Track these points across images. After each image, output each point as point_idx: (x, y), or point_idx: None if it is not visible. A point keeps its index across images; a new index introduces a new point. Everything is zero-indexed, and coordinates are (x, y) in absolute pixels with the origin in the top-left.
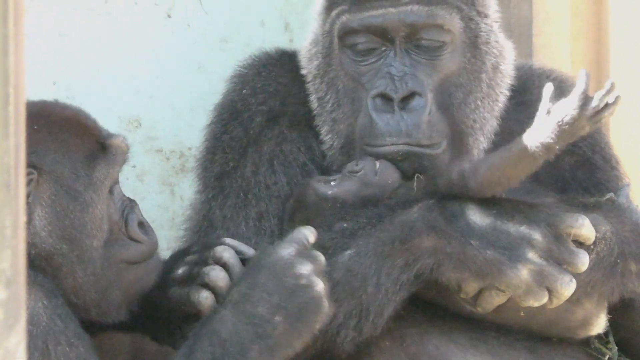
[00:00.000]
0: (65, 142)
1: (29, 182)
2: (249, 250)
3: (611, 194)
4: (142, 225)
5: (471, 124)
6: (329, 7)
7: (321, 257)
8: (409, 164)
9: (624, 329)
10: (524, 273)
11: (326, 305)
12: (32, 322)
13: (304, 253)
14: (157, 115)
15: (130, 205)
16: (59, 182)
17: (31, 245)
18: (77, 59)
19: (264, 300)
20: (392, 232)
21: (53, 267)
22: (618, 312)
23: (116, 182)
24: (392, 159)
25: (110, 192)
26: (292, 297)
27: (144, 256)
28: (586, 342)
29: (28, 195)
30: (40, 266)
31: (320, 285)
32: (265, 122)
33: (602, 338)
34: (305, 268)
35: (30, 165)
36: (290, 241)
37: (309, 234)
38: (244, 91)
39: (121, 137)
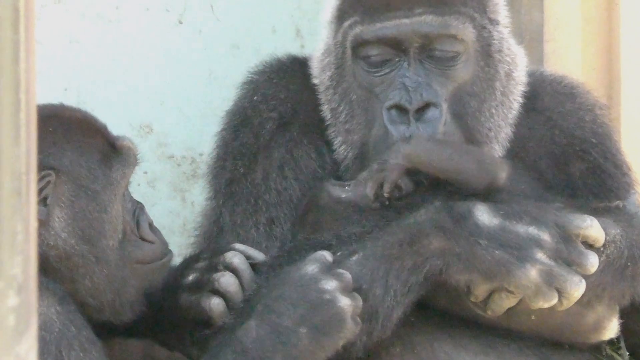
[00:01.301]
0: (81, 143)
1: (47, 184)
2: (259, 255)
3: (620, 201)
4: (151, 226)
5: (486, 132)
6: (341, 17)
7: (347, 275)
8: (425, 175)
9: (635, 334)
10: (532, 273)
11: (350, 322)
12: (45, 328)
13: (328, 271)
14: (168, 121)
15: (139, 207)
16: (77, 182)
17: (51, 247)
18: (88, 65)
19: (288, 311)
20: (400, 235)
21: (71, 268)
22: (629, 317)
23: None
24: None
25: (123, 193)
26: (317, 310)
27: (156, 256)
28: (597, 348)
29: (46, 197)
30: (58, 269)
31: (344, 302)
32: (276, 128)
33: (613, 344)
34: (329, 284)
35: (48, 166)
36: (313, 260)
37: (326, 254)
38: (255, 98)
39: (128, 139)
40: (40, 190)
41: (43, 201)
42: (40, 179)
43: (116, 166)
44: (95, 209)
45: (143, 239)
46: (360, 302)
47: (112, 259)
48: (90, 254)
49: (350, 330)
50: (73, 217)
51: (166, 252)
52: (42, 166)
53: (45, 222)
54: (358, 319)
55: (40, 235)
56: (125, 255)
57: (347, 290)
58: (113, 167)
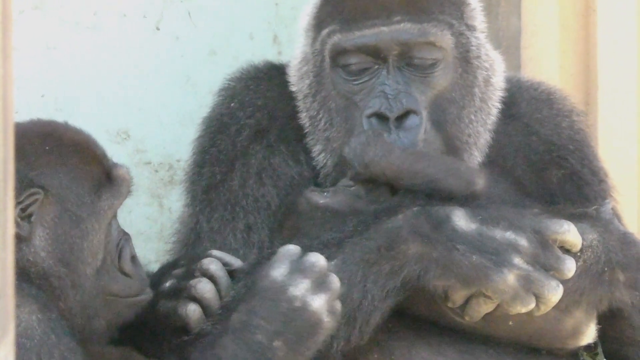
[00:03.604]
0: (75, 167)
1: (33, 202)
2: (235, 262)
3: (597, 207)
4: (134, 259)
5: (466, 139)
6: (318, 26)
7: (317, 265)
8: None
9: (612, 339)
10: (510, 278)
11: (326, 320)
12: (26, 335)
13: (297, 269)
14: (146, 127)
15: (125, 238)
16: (63, 205)
17: (31, 264)
18: (66, 71)
19: (261, 327)
20: (378, 240)
21: (47, 287)
22: (606, 322)
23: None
24: None
25: (109, 222)
26: (289, 321)
27: (131, 291)
28: (575, 354)
29: (31, 215)
30: (38, 284)
31: (316, 303)
32: (253, 135)
33: (590, 349)
34: (298, 288)
35: (38, 185)
36: (281, 259)
37: (292, 248)
38: (232, 104)
39: (125, 168)
40: (26, 207)
41: (27, 218)
42: (29, 196)
43: (106, 195)
44: (77, 234)
45: (122, 272)
46: (335, 285)
47: (87, 286)
48: (67, 277)
49: (328, 327)
50: (55, 239)
51: (143, 289)
52: (32, 184)
53: (27, 239)
54: (336, 306)
55: (21, 250)
56: (100, 285)
57: (320, 283)
58: (102, 196)
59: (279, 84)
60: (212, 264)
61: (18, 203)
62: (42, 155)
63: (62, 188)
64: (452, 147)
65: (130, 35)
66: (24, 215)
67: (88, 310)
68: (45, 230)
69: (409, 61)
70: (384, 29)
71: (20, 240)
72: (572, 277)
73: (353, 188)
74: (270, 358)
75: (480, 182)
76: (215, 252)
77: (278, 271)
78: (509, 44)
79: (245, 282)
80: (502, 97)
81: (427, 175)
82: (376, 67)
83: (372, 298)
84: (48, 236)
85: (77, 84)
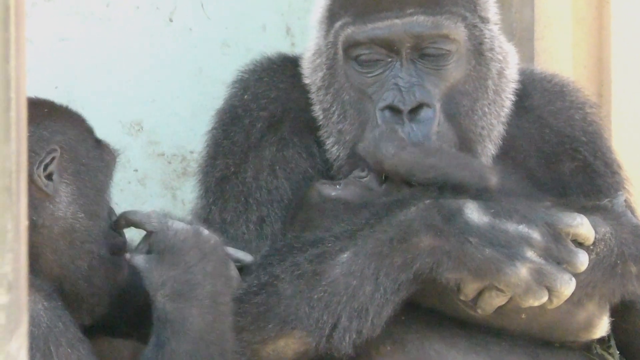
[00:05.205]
0: (77, 124)
1: (52, 160)
2: (246, 257)
3: (610, 199)
4: None
5: (479, 131)
6: (332, 18)
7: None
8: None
9: (625, 332)
10: (522, 271)
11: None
12: (33, 324)
13: (187, 221)
14: (159, 119)
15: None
16: (78, 159)
17: (58, 219)
18: (79, 63)
19: (206, 275)
20: (390, 232)
21: (71, 243)
22: (619, 314)
23: None
24: None
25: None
26: (217, 261)
27: (126, 246)
28: (588, 347)
29: (51, 174)
30: (55, 249)
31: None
32: (266, 127)
33: (604, 342)
34: (204, 230)
35: (53, 142)
36: (169, 220)
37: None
38: (245, 96)
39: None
40: (45, 167)
41: (49, 177)
42: (47, 154)
43: (107, 150)
44: (96, 185)
45: (114, 230)
46: None
47: (103, 241)
48: (92, 230)
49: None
50: (77, 193)
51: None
52: (49, 141)
53: (52, 197)
54: None
55: (46, 208)
56: (105, 242)
57: None
58: (104, 149)
59: (292, 76)
60: None
61: (40, 163)
62: (45, 117)
63: (73, 142)
64: (466, 140)
65: (143, 27)
66: (45, 174)
67: (106, 268)
68: (68, 187)
69: (422, 53)
70: (397, 21)
71: (44, 200)
72: (585, 270)
73: (365, 179)
74: (222, 304)
75: (493, 179)
76: (226, 249)
77: (181, 224)
78: (522, 36)
79: (152, 254)
80: (516, 89)
81: (440, 169)
82: (389, 59)
83: (385, 291)
84: (72, 190)
85: (90, 76)
